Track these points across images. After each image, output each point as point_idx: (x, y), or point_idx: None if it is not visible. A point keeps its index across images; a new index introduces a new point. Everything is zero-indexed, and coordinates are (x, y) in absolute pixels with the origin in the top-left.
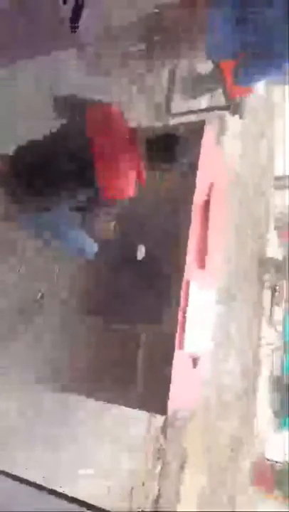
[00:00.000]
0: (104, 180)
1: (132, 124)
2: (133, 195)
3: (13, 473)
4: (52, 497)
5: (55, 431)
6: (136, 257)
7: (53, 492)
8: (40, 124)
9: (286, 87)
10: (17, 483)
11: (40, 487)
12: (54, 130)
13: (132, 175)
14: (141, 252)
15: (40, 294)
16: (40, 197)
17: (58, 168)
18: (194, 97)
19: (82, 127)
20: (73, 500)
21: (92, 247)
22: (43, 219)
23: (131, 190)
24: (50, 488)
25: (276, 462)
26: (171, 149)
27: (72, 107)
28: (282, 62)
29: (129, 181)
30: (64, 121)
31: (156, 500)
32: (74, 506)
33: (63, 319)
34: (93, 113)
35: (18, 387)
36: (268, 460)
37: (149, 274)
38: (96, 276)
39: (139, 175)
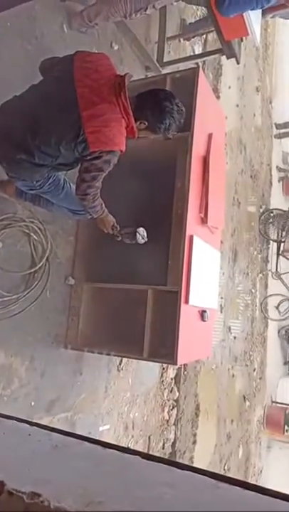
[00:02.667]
0: (91, 132)
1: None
2: (124, 151)
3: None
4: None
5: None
6: (138, 242)
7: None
8: (25, 79)
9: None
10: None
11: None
12: (38, 83)
13: (121, 126)
14: (141, 236)
15: (45, 258)
16: (27, 153)
17: (43, 122)
18: (188, 39)
19: (68, 76)
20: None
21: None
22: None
23: (121, 144)
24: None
25: (287, 405)
26: (158, 106)
27: (60, 60)
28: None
29: (117, 133)
30: (49, 75)
31: (173, 445)
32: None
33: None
34: (81, 57)
35: (32, 345)
36: (277, 403)
37: (152, 231)
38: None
39: (129, 128)
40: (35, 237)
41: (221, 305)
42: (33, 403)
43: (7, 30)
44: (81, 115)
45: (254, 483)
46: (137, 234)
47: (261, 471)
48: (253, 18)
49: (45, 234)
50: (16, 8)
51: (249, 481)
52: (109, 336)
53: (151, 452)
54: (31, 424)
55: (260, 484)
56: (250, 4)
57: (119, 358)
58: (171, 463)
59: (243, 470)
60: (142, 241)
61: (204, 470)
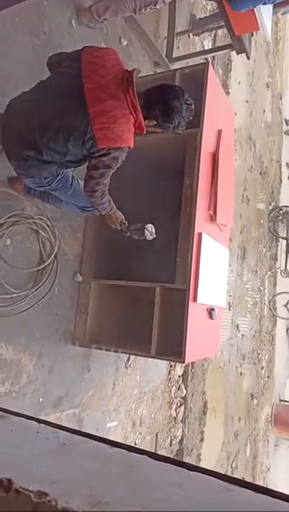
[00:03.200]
0: (99, 128)
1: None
2: (132, 147)
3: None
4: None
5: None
6: (146, 239)
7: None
8: (33, 74)
9: None
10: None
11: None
12: (46, 79)
13: (129, 123)
14: (150, 232)
15: (53, 255)
16: (35, 150)
17: (51, 119)
18: (197, 34)
19: (76, 72)
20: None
21: (89, 209)
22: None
23: (129, 140)
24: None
25: None
26: (167, 104)
27: (67, 56)
28: None
29: (125, 129)
30: (56, 70)
31: (181, 442)
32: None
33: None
34: (88, 53)
35: (40, 341)
36: (285, 402)
37: (160, 229)
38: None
39: (138, 124)
40: (43, 233)
41: (229, 303)
42: (41, 399)
43: (16, 25)
44: (89, 112)
45: (261, 481)
46: (146, 230)
47: (269, 470)
48: (264, 12)
49: (53, 231)
50: (24, 4)
51: (257, 479)
52: (117, 333)
53: (158, 449)
54: (39, 421)
55: (268, 482)
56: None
57: (127, 355)
58: (179, 463)
59: (250, 468)
60: (151, 237)
61: (214, 471)
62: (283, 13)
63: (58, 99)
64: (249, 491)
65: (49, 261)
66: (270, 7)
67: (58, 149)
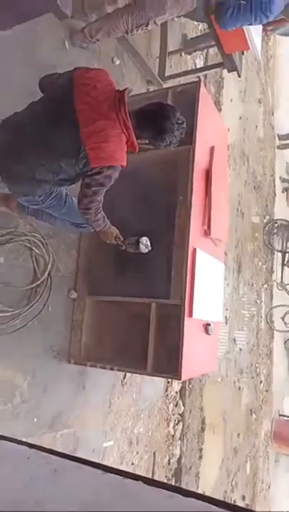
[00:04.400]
0: (92, 148)
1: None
2: (125, 165)
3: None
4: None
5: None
6: (141, 252)
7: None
8: (26, 95)
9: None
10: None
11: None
12: (38, 100)
13: (122, 142)
14: (145, 245)
15: (47, 272)
16: (28, 170)
17: (44, 139)
18: (189, 53)
19: (68, 93)
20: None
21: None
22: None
23: (122, 159)
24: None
25: None
26: (160, 124)
27: (59, 76)
28: (263, 17)
29: (117, 148)
30: (48, 92)
31: (179, 460)
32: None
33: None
34: (80, 74)
35: (34, 360)
36: (284, 416)
37: (155, 244)
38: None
39: (130, 143)
40: (37, 251)
41: (226, 316)
42: (35, 419)
43: (9, 45)
44: (81, 132)
45: (262, 499)
46: (140, 243)
47: (269, 487)
48: (254, 32)
49: (47, 248)
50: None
51: (257, 496)
52: (113, 350)
53: (156, 468)
54: (30, 446)
55: (269, 500)
56: (248, 19)
57: (123, 373)
58: (175, 489)
59: (251, 486)
60: (146, 250)
61: (209, 497)
62: (271, 32)
63: (50, 120)
64: None
65: (43, 278)
66: (259, 27)
67: (51, 169)
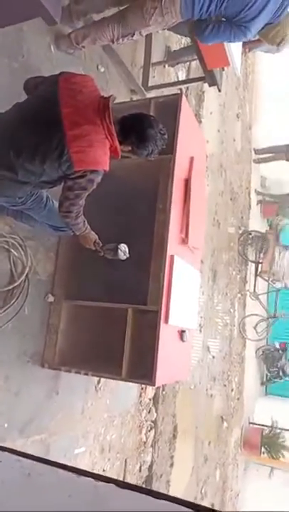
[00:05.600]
0: (76, 151)
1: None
2: (108, 170)
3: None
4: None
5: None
6: (119, 258)
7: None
8: (10, 96)
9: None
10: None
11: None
12: (23, 102)
13: (105, 147)
14: (123, 252)
15: (24, 275)
16: (10, 171)
17: (27, 141)
18: (172, 65)
19: (53, 97)
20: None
21: (63, 230)
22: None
23: (104, 163)
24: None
25: (263, 426)
26: (143, 132)
27: (44, 79)
28: (242, 36)
29: (101, 153)
30: (33, 94)
31: (150, 468)
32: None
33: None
34: (66, 78)
35: (7, 364)
36: (254, 424)
37: (133, 251)
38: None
39: (113, 148)
40: (15, 253)
41: (200, 324)
42: (6, 425)
43: None
44: (65, 135)
45: (231, 507)
46: (119, 250)
47: (238, 495)
48: (234, 49)
49: (25, 250)
50: (4, 28)
51: (226, 505)
52: (88, 355)
53: (127, 475)
54: (2, 449)
55: (237, 507)
56: (227, 37)
57: (98, 378)
58: (147, 492)
59: (220, 494)
60: (124, 257)
61: (180, 499)
62: (249, 51)
63: (34, 121)
64: None
65: (20, 281)
66: (239, 45)
67: (33, 170)
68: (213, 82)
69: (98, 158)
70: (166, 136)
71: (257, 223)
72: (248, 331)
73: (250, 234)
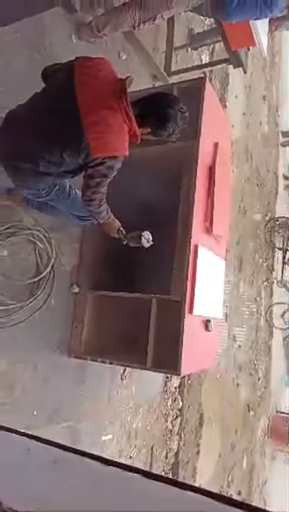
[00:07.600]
0: (93, 138)
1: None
2: (128, 155)
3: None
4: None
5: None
6: (143, 246)
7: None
8: (32, 88)
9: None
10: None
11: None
12: (41, 91)
13: (123, 131)
14: (146, 239)
15: (49, 266)
16: (31, 162)
17: (46, 130)
18: (195, 49)
19: (69, 83)
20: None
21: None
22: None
23: (124, 149)
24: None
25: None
26: (162, 112)
27: (61, 66)
28: (268, 11)
29: (119, 138)
30: (50, 82)
31: (176, 455)
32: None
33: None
34: (81, 63)
35: (35, 353)
36: (282, 413)
37: (157, 240)
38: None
39: (132, 132)
40: (40, 245)
41: (225, 313)
42: (35, 412)
43: (16, 40)
44: (82, 122)
45: (258, 495)
46: (142, 237)
47: (265, 483)
48: (260, 28)
49: (50, 242)
50: (25, 19)
51: (253, 492)
52: (113, 345)
53: (153, 462)
54: (31, 437)
55: (265, 496)
56: (253, 12)
57: (123, 367)
58: (173, 482)
59: (247, 481)
60: (148, 244)
61: (208, 491)
62: (275, 29)
63: (52, 110)
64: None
65: (45, 272)
66: (265, 23)
67: (53, 160)
68: (238, 63)
69: (117, 143)
70: (186, 114)
71: (284, 209)
72: (275, 319)
73: (277, 221)
